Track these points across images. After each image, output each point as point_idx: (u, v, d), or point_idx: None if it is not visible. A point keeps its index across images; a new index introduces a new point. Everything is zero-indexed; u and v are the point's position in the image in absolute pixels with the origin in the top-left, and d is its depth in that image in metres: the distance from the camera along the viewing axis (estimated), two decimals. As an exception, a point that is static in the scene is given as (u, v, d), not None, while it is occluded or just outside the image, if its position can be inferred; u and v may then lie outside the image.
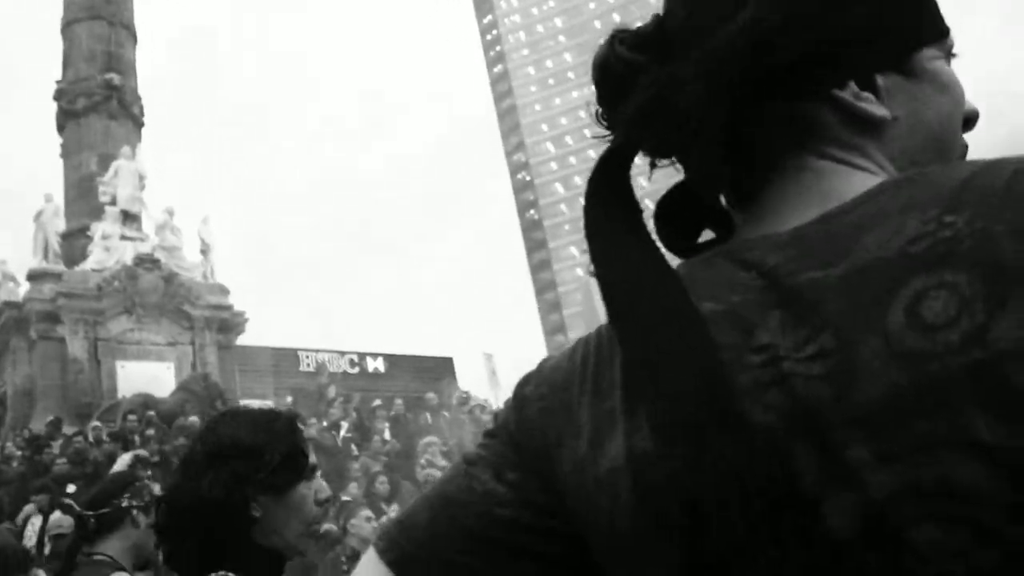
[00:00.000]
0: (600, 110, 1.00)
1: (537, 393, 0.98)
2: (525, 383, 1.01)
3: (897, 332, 0.75)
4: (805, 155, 0.93)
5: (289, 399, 20.99)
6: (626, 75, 0.95)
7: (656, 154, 0.97)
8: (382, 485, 11.28)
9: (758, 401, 0.80)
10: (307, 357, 29.44)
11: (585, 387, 0.93)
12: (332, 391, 19.11)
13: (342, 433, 14.08)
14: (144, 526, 3.81)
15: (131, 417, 15.11)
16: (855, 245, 0.81)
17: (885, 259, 0.78)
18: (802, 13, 0.90)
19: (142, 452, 12.45)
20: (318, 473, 2.24)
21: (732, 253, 0.90)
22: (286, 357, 29.18)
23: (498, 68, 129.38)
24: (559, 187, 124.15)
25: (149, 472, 10.29)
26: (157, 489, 6.88)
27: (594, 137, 0.98)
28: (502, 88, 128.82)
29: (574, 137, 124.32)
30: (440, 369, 28.58)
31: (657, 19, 0.97)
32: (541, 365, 1.02)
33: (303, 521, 2.15)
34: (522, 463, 0.95)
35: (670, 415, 0.81)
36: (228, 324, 22.69)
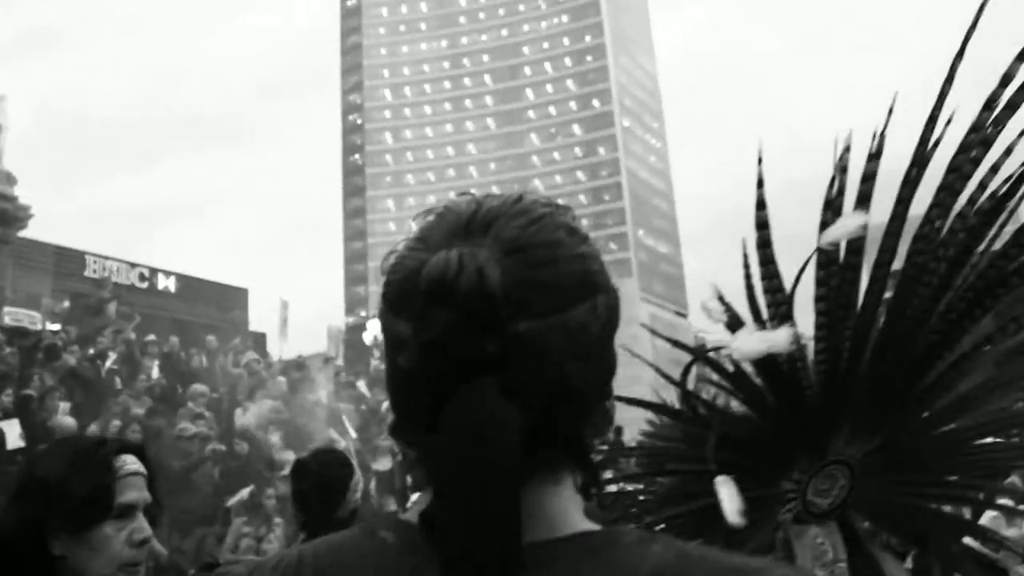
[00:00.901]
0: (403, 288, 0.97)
1: None
2: None
3: None
4: (555, 467, 0.96)
5: (66, 304, 19.80)
6: (472, 303, 0.89)
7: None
8: (134, 434, 10.42)
9: None
10: (95, 263, 27.88)
11: None
12: (112, 309, 18.04)
13: (107, 364, 13.13)
14: None
15: None
16: None
17: None
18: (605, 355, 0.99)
19: None
20: (138, 511, 2.15)
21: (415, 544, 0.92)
22: (71, 259, 27.53)
23: (351, 1, 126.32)
24: (388, 137, 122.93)
25: None
26: None
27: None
28: (351, 23, 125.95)
29: (413, 90, 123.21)
30: (233, 299, 27.78)
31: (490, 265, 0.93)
32: None
33: (110, 562, 2.06)
34: None
35: None
36: (8, 216, 21.13)
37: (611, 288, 0.99)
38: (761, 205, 2.43)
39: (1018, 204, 2.29)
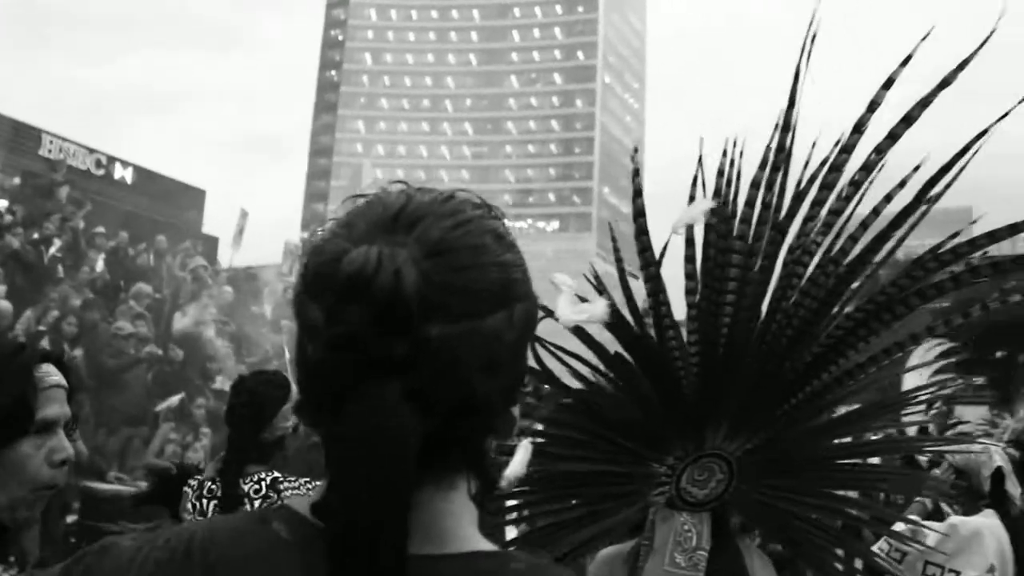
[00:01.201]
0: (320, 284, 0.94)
1: None
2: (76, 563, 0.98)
3: None
4: (452, 474, 0.96)
5: (16, 181, 19.38)
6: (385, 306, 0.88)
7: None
8: (70, 326, 10.26)
9: None
10: (51, 142, 27.27)
11: None
12: (64, 193, 17.63)
13: (51, 251, 12.69)
14: None
15: None
16: None
17: None
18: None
19: None
20: (59, 428, 1.92)
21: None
22: (27, 135, 26.87)
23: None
24: (368, 58, 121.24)
25: None
26: None
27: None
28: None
29: (400, 15, 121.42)
30: (189, 199, 27.31)
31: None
32: (102, 558, 0.97)
33: (25, 484, 1.85)
34: None
35: None
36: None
37: (531, 297, 0.99)
38: (638, 194, 2.59)
39: (905, 236, 2.42)
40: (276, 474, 3.58)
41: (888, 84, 2.40)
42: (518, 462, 2.22)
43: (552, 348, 2.66)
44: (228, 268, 18.17)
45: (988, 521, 4.26)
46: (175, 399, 9.02)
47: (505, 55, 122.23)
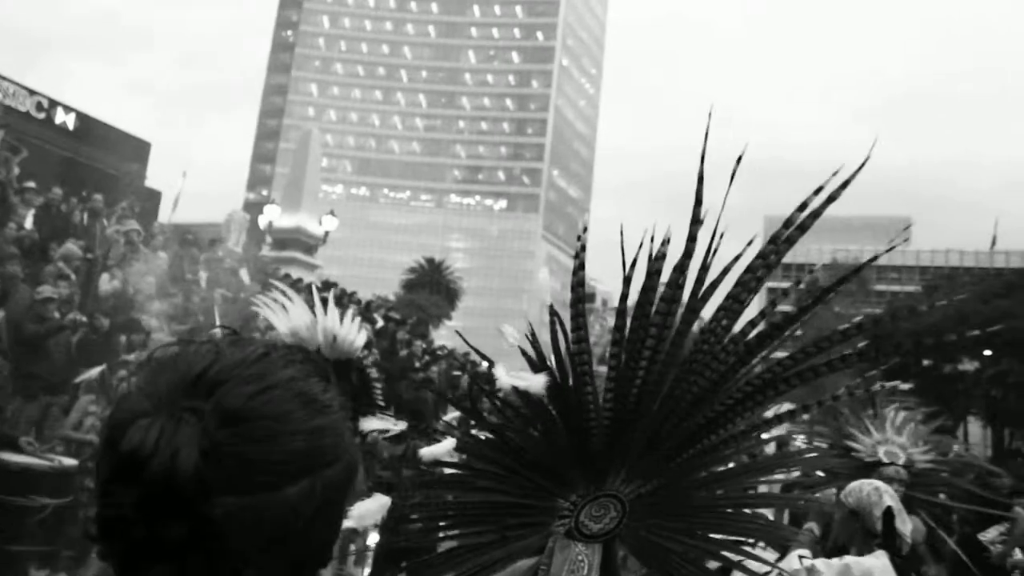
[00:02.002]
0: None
1: None
2: None
3: None
4: None
5: (-54, 118, 18.66)
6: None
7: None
8: (-8, 288, 9.68)
9: None
10: (-10, 81, 26.46)
11: None
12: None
13: None
14: None
15: None
16: None
17: None
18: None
19: None
20: None
21: None
22: (-43, 71, 26.01)
23: None
24: (325, 20, 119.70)
25: None
26: None
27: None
28: None
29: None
30: (134, 151, 26.65)
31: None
32: None
33: None
34: None
35: None
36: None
37: (344, 458, 0.96)
38: (579, 288, 2.96)
39: (797, 326, 2.85)
40: None
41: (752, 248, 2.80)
42: (440, 450, 2.66)
43: (484, 390, 2.99)
44: (167, 225, 17.74)
45: (879, 562, 4.45)
46: (95, 371, 8.68)
47: (464, 29, 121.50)
